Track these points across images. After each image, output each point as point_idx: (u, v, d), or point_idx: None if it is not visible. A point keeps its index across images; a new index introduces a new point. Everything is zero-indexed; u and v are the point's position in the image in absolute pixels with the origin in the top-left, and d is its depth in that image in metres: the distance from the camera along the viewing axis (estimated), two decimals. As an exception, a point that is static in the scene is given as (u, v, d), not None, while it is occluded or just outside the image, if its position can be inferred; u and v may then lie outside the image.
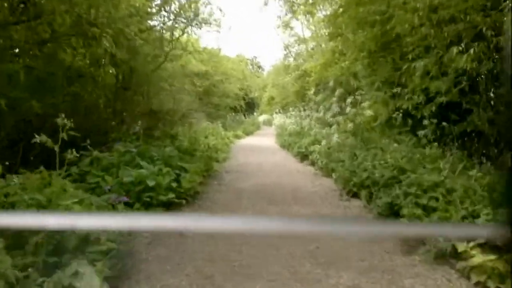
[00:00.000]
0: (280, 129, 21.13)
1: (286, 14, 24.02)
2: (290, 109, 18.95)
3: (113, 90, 8.50)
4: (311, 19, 21.93)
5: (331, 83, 12.15)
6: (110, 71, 9.02)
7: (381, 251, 4.54)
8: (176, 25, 12.47)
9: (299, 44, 24.53)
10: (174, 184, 6.18)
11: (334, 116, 12.56)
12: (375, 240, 4.83)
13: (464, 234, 0.75)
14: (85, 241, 3.44)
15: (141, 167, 6.23)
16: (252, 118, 36.38)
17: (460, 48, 6.28)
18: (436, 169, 6.09)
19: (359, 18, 11.91)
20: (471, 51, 6.06)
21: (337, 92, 11.03)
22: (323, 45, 20.25)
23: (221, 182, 8.79)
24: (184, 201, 6.29)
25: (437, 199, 5.13)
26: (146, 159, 6.65)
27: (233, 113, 28.72)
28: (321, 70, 17.00)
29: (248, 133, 26.68)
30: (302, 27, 24.18)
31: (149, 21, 11.39)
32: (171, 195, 5.90)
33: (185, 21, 12.25)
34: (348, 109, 8.73)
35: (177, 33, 12.59)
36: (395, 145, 7.41)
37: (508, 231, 0.67)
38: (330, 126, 14.22)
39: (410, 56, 7.68)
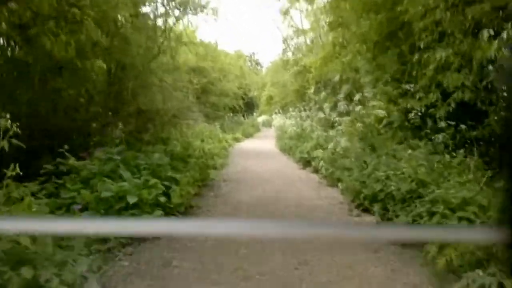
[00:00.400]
0: (280, 131, 20.28)
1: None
2: (290, 109, 18.08)
3: (98, 86, 7.65)
4: (310, 7, 21.07)
5: (336, 78, 11.15)
6: (99, 64, 8.19)
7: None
8: (170, 12, 11.54)
9: (298, 36, 23.55)
10: (162, 199, 5.35)
11: (340, 115, 11.70)
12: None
13: (466, 236, 0.84)
14: None
15: (131, 176, 5.41)
16: (252, 119, 35.54)
17: (490, 33, 5.42)
18: (460, 181, 5.29)
19: (364, 2, 11.04)
20: (504, 35, 5.18)
21: (344, 89, 10.10)
22: (322, 37, 19.43)
23: (218, 193, 7.96)
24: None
25: (470, 220, 4.30)
26: (131, 168, 5.82)
27: (232, 114, 27.78)
28: (321, 65, 16.16)
29: (247, 136, 25.84)
30: (301, 17, 23.28)
31: (141, 7, 10.45)
32: (158, 212, 5.07)
33: (179, 6, 11.37)
34: (356, 108, 7.89)
35: (171, 21, 11.73)
36: (410, 151, 6.58)
37: (509, 234, 0.67)
38: (333, 127, 13.42)
39: (421, 44, 6.84)
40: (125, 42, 8.21)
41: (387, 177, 5.91)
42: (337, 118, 9.68)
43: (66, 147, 5.69)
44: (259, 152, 16.18)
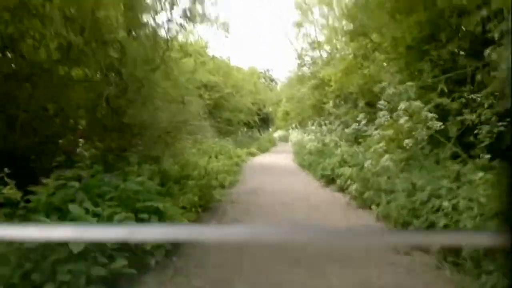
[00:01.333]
0: (297, 147, 18.44)
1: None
2: (309, 123, 16.17)
3: (73, 96, 6.03)
4: (325, 19, 19.39)
5: (386, 87, 9.29)
6: (76, 72, 6.63)
7: None
8: (172, 20, 10.08)
9: (313, 49, 21.83)
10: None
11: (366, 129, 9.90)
12: None
13: (470, 241, 0.98)
14: None
15: (84, 212, 3.69)
16: (267, 134, 33.83)
17: None
18: None
19: (393, 4, 9.37)
20: None
21: (385, 97, 8.26)
22: (340, 49, 17.70)
23: (221, 220, 6.21)
24: (145, 270, 3.73)
25: None
26: (94, 198, 4.11)
27: (246, 129, 26.01)
28: (341, 77, 14.40)
29: (263, 150, 24.11)
30: (315, 29, 21.61)
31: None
32: (120, 263, 3.34)
33: (182, 15, 9.91)
34: (401, 120, 6.07)
35: (174, 31, 10.27)
36: (480, 173, 4.67)
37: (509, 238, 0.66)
38: (359, 143, 11.57)
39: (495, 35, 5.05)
40: (112, 47, 6.68)
41: (455, 208, 4.05)
42: (374, 132, 7.83)
43: (6, 170, 4.02)
44: (275, 167, 14.37)
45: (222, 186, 8.81)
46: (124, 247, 3.50)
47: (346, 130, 13.49)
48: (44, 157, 5.29)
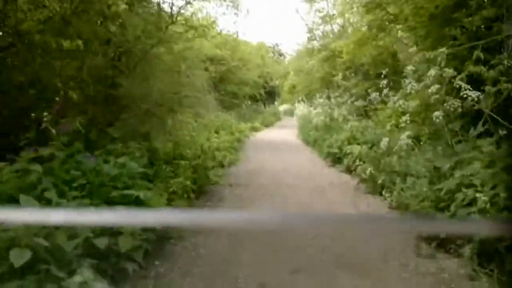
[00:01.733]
0: (303, 121, 17.63)
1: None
2: (318, 95, 15.25)
3: (53, 65, 5.30)
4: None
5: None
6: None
7: None
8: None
9: (325, 23, 20.78)
10: (101, 241, 2.95)
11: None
12: None
13: (471, 230, 0.93)
14: None
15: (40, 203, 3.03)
16: (273, 108, 32.96)
17: None
18: None
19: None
20: None
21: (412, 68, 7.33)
22: (354, 20, 16.66)
23: (216, 205, 5.56)
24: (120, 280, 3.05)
25: None
26: (61, 186, 3.43)
27: (251, 103, 25.15)
28: (354, 48, 13.46)
29: (267, 125, 23.37)
30: (327, 3, 20.43)
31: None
32: (83, 276, 2.67)
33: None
34: (429, 90, 5.22)
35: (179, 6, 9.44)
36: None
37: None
38: (368, 117, 10.76)
39: None
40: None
41: (494, 203, 3.33)
42: (391, 104, 7.04)
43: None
44: (279, 143, 13.65)
45: (222, 165, 8.13)
46: (92, 252, 2.83)
47: (356, 103, 12.68)
48: (15, 133, 4.61)
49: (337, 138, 9.29)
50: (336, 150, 8.82)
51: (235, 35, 26.24)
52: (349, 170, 8.11)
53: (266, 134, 17.83)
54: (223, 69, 22.13)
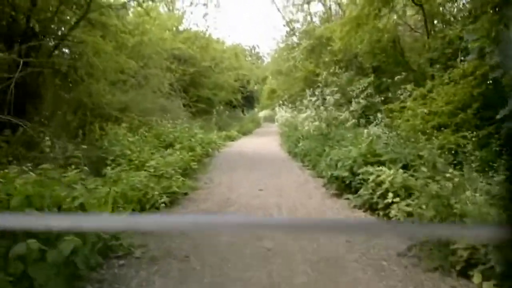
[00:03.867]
0: (286, 128, 14.02)
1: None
2: (308, 93, 11.32)
3: None
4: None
5: None
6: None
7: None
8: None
9: (308, 3, 17.11)
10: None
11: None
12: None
13: (468, 234, 0.82)
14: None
15: None
16: (251, 114, 29.40)
17: None
18: None
19: None
20: None
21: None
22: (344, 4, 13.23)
23: None
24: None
25: None
26: None
27: (228, 109, 21.38)
28: (350, 31, 10.00)
29: (245, 132, 19.78)
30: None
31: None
32: None
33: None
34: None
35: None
36: None
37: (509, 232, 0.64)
38: (368, 121, 7.29)
39: None
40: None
41: None
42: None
43: None
44: (257, 157, 10.05)
45: (154, 207, 4.50)
46: None
47: (353, 104, 9.17)
48: None
49: (344, 153, 5.72)
50: (345, 173, 5.24)
51: (205, 31, 22.64)
52: (371, 208, 4.59)
53: (244, 144, 14.22)
54: (192, 71, 18.44)
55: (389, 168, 4.69)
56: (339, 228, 0.68)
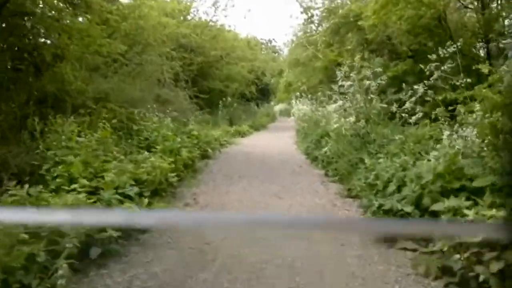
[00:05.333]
0: (306, 123, 11.61)
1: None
2: (339, 75, 8.34)
3: None
4: None
5: None
6: None
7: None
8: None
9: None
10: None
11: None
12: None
13: (469, 232, 0.79)
14: None
15: None
16: (266, 108, 27.08)
17: None
18: None
19: None
20: None
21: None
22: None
23: None
24: None
25: None
26: None
27: (233, 101, 18.85)
28: (387, 4, 7.60)
29: (258, 127, 17.55)
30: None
31: None
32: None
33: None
34: None
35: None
36: None
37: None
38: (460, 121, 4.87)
39: None
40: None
41: None
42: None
43: None
44: (266, 159, 7.81)
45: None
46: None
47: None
48: None
49: (397, 167, 3.40)
50: (407, 207, 2.92)
51: (215, 20, 20.32)
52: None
53: (254, 141, 12.01)
54: (199, 60, 16.22)
55: (491, 206, 2.40)
56: (340, 225, 0.63)
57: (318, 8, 17.32)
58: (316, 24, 17.94)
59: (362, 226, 0.66)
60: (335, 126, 6.24)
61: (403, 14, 7.95)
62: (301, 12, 18.41)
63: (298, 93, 14.94)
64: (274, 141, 11.93)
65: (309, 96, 14.15)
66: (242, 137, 13.82)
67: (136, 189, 3.97)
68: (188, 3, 18.77)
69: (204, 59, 17.18)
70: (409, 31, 8.64)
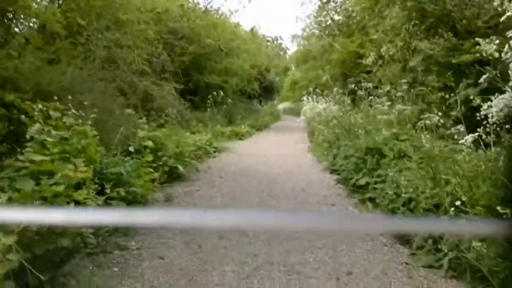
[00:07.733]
0: (322, 125, 8.36)
1: None
2: None
3: None
4: None
5: None
6: None
7: None
8: None
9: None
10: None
11: None
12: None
13: (468, 230, 0.72)
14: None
15: None
16: (270, 106, 23.82)
17: None
18: None
19: None
20: None
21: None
22: None
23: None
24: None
25: None
26: None
27: (229, 97, 15.48)
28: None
29: (260, 128, 14.41)
30: None
31: None
32: None
33: None
34: None
35: None
36: None
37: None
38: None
39: None
40: None
41: None
42: None
43: None
44: (272, 183, 4.69)
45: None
46: None
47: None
48: None
49: None
50: None
51: (218, 9, 17.24)
52: None
53: (255, 146, 8.88)
54: (191, 50, 13.03)
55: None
56: (335, 222, 0.56)
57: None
58: (332, 11, 14.81)
59: (362, 225, 0.59)
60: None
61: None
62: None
63: (311, 89, 11.72)
64: (282, 147, 8.78)
65: (325, 93, 10.99)
66: (240, 139, 10.72)
67: None
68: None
69: (199, 50, 13.96)
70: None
